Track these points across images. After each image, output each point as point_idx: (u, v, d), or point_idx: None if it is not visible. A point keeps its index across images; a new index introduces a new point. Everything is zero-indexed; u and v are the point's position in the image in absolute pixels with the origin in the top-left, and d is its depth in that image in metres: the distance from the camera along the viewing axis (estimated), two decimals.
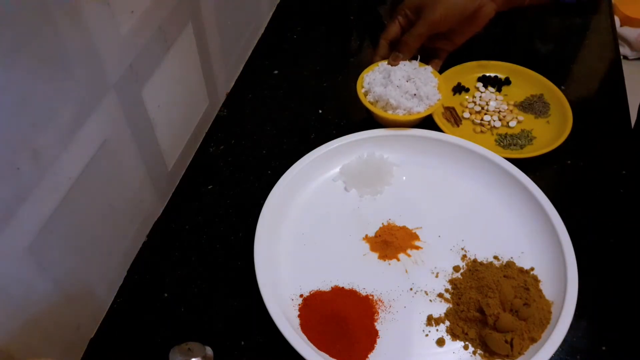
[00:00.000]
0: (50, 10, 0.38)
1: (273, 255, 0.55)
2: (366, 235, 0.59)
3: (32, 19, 0.36)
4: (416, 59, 0.69)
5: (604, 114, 0.71)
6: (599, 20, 0.85)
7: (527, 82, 0.73)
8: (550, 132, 0.67)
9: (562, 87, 0.72)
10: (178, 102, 0.61)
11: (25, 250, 0.40)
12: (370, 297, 0.53)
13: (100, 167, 0.48)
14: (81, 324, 0.51)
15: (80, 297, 0.49)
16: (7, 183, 0.37)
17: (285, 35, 0.86)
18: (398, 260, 0.56)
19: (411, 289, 0.54)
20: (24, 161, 0.38)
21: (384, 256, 0.57)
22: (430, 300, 0.53)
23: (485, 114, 0.70)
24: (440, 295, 0.53)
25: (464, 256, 0.56)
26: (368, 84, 0.67)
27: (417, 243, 0.57)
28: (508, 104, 0.71)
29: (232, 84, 0.77)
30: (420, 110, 0.64)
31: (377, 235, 0.58)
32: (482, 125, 0.69)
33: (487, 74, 0.75)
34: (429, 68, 0.68)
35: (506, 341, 0.48)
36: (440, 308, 0.52)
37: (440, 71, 0.72)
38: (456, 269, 0.55)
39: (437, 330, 0.51)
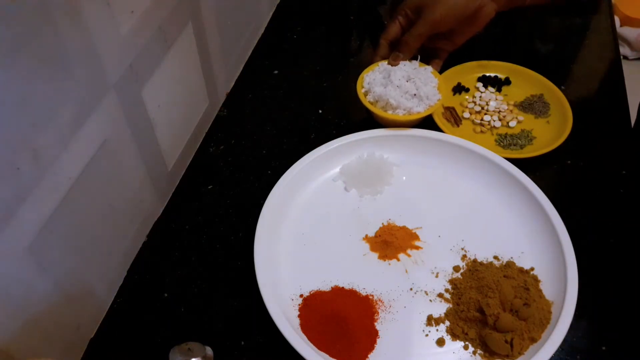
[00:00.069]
0: (50, 10, 0.38)
1: (273, 255, 0.55)
2: (366, 235, 0.59)
3: (32, 19, 0.36)
4: (416, 59, 0.69)
5: (604, 114, 0.71)
6: (599, 20, 0.85)
7: (527, 82, 0.73)
8: (550, 132, 0.67)
9: (562, 87, 0.73)
10: (178, 102, 0.61)
11: (25, 250, 0.40)
12: (370, 297, 0.53)
13: (100, 167, 0.48)
14: (81, 324, 0.51)
15: (80, 297, 0.49)
16: (7, 183, 0.37)
17: (285, 35, 0.86)
18: (398, 260, 0.56)
19: (411, 289, 0.54)
20: (24, 161, 0.38)
21: (384, 256, 0.57)
22: (430, 300, 0.53)
23: (485, 114, 0.70)
24: (440, 295, 0.53)
25: (464, 256, 0.56)
26: (368, 84, 0.67)
27: (417, 243, 0.57)
28: (508, 104, 0.71)
29: (232, 84, 0.77)
30: (420, 110, 0.64)
31: (377, 235, 0.58)
32: (482, 125, 0.69)
33: (487, 74, 0.75)
34: (429, 68, 0.68)
35: (506, 341, 0.48)
36: (440, 308, 0.52)
37: (441, 71, 0.72)
38: (456, 269, 0.55)
39: (437, 330, 0.51)
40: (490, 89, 0.74)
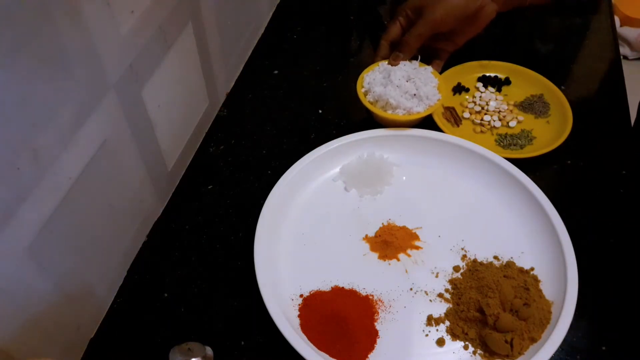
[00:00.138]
0: (50, 10, 0.38)
1: (273, 255, 0.55)
2: (366, 235, 0.59)
3: (32, 19, 0.36)
4: (417, 59, 0.69)
5: (604, 114, 0.71)
6: (599, 20, 0.85)
7: (527, 82, 0.73)
8: (550, 132, 0.67)
9: (562, 87, 0.73)
10: (178, 102, 0.61)
11: (25, 250, 0.40)
12: (370, 297, 0.53)
13: (100, 167, 0.48)
14: (81, 324, 0.51)
15: (80, 297, 0.49)
16: (7, 183, 0.37)
17: (285, 35, 0.86)
18: (398, 260, 0.56)
19: (411, 289, 0.54)
20: (24, 161, 0.38)
21: (384, 256, 0.57)
22: (430, 300, 0.53)
23: (485, 114, 0.70)
24: (440, 295, 0.53)
25: (464, 256, 0.56)
26: (368, 83, 0.67)
27: (417, 243, 0.57)
28: (508, 104, 0.71)
29: (232, 84, 0.77)
30: (420, 110, 0.64)
31: (377, 235, 0.58)
32: (482, 125, 0.69)
33: (487, 74, 0.75)
34: (429, 68, 0.68)
35: (506, 341, 0.48)
36: (440, 308, 0.52)
37: (441, 71, 0.72)
38: (456, 269, 0.55)
39: (437, 330, 0.51)
40: (490, 89, 0.74)
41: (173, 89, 0.59)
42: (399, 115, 0.64)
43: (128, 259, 0.58)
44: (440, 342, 0.50)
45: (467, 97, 0.73)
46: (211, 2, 0.64)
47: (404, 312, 0.52)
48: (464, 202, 0.61)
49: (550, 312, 0.50)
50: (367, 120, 0.69)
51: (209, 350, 0.43)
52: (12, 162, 0.37)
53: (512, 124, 0.69)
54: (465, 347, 0.50)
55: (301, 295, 0.53)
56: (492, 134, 0.69)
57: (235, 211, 0.62)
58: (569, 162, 0.65)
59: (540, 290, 0.52)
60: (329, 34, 0.87)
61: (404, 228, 0.59)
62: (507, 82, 0.74)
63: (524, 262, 0.55)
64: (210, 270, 0.57)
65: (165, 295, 0.56)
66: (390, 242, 0.57)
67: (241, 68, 0.80)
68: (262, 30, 0.86)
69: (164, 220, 0.62)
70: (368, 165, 0.63)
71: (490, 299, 0.50)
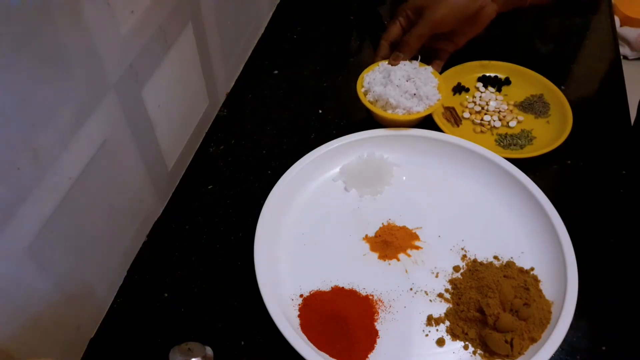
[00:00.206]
0: (50, 10, 0.38)
1: (273, 255, 0.55)
2: (366, 235, 0.59)
3: (32, 19, 0.36)
4: (417, 59, 0.69)
5: (604, 114, 0.71)
6: (599, 20, 0.85)
7: (527, 82, 0.73)
8: (550, 132, 0.67)
9: (562, 87, 0.73)
10: (178, 102, 0.61)
11: (25, 250, 0.40)
12: (370, 297, 0.53)
13: (100, 167, 0.48)
14: (81, 324, 0.51)
15: (80, 297, 0.49)
16: (7, 183, 0.37)
17: (285, 35, 0.86)
18: (398, 260, 0.56)
19: (411, 289, 0.54)
20: (24, 161, 0.38)
21: (384, 256, 0.57)
22: (430, 300, 0.53)
23: (485, 114, 0.70)
24: (440, 295, 0.53)
25: (464, 256, 0.56)
26: (368, 83, 0.67)
27: (417, 243, 0.57)
28: (508, 104, 0.71)
29: (232, 84, 0.77)
30: (419, 110, 0.64)
31: (377, 235, 0.58)
32: (482, 125, 0.69)
33: (487, 74, 0.75)
34: (429, 68, 0.68)
35: (506, 341, 0.48)
36: (440, 308, 0.52)
37: (441, 71, 0.72)
38: (456, 269, 0.55)
39: (437, 330, 0.51)
40: (490, 89, 0.74)
41: (173, 89, 0.59)
42: (399, 115, 0.64)
43: (128, 259, 0.58)
44: (440, 342, 0.50)
45: (467, 97, 0.73)
46: (211, 2, 0.64)
47: (404, 312, 0.52)
48: (464, 202, 0.61)
49: (550, 312, 0.50)
50: (367, 120, 0.69)
51: (209, 350, 0.43)
52: (12, 162, 0.37)
53: (512, 124, 0.69)
54: (465, 347, 0.50)
55: (301, 295, 0.53)
56: (492, 134, 0.69)
57: (235, 211, 0.62)
58: (569, 162, 0.65)
59: (540, 290, 0.52)
60: (329, 34, 0.87)
61: (404, 228, 0.59)
62: (507, 82, 0.74)
63: (524, 262, 0.55)
64: (210, 270, 0.57)
65: (165, 295, 0.56)
66: (390, 242, 0.57)
67: (241, 68, 0.80)
68: (262, 30, 0.86)
69: (164, 220, 0.62)
70: (368, 165, 0.63)
71: (490, 299, 0.50)
